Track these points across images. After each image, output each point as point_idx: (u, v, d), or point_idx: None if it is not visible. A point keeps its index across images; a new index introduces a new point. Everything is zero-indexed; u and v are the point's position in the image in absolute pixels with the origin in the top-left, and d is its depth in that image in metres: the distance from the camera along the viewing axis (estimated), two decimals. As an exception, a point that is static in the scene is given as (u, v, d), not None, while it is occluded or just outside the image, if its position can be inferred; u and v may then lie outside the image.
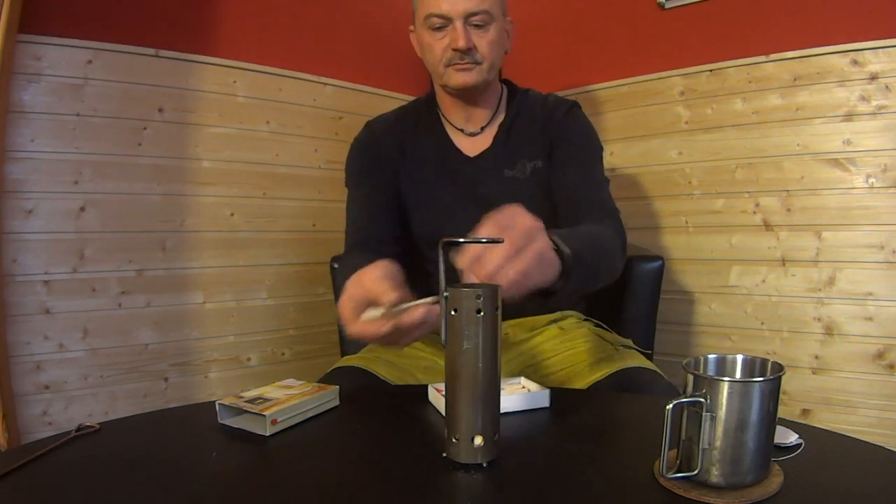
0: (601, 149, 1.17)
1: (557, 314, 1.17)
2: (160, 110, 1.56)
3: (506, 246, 0.63)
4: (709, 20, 1.69)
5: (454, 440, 0.60)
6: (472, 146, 1.15)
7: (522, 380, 0.87)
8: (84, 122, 1.44)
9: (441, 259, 0.63)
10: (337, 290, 1.39)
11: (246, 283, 1.73)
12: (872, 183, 1.48)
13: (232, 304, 1.71)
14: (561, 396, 0.81)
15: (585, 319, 1.20)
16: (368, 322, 0.68)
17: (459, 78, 1.06)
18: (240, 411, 0.73)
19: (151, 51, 1.52)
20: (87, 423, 0.73)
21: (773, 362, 0.56)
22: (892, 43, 1.43)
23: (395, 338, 0.70)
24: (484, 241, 0.63)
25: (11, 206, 1.37)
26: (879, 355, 1.48)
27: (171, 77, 1.56)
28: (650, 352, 1.32)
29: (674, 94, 1.76)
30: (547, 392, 0.79)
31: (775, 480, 0.54)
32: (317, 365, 1.82)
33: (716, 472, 0.53)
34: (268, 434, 0.70)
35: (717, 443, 0.52)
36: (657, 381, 0.95)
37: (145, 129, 1.53)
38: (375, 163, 1.16)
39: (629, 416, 0.80)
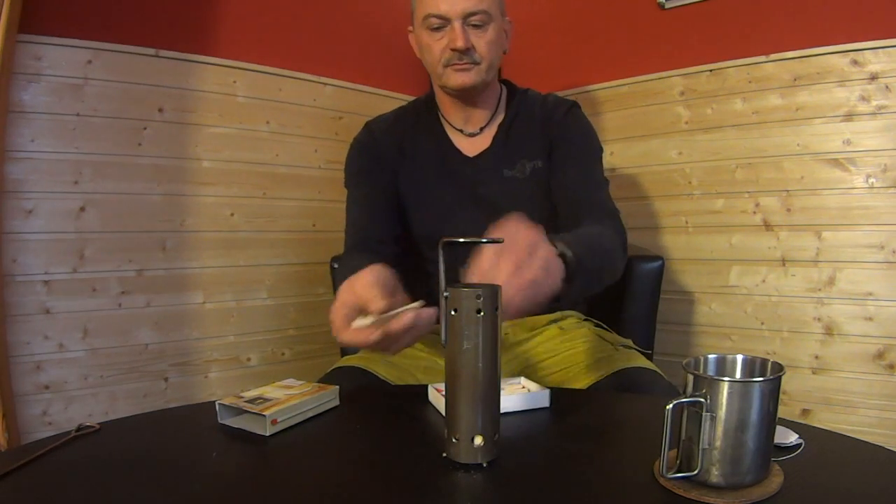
0: (601, 149, 1.17)
1: (557, 314, 1.17)
2: (160, 110, 1.56)
3: (510, 261, 0.63)
4: (709, 20, 1.69)
5: (454, 440, 0.60)
6: (471, 146, 1.15)
7: (522, 380, 0.87)
8: (84, 122, 1.45)
9: (441, 259, 0.63)
10: (336, 290, 1.38)
11: (246, 283, 1.73)
12: (872, 183, 1.49)
13: (232, 304, 1.71)
14: (561, 396, 0.81)
15: (585, 319, 1.20)
16: (358, 330, 0.69)
17: (458, 78, 1.06)
18: (240, 411, 0.73)
19: (151, 51, 1.52)
20: (87, 423, 0.73)
21: (773, 362, 0.56)
22: (892, 43, 1.43)
23: (386, 344, 0.71)
24: (484, 241, 0.63)
25: (11, 206, 1.37)
26: (879, 355, 1.48)
27: (171, 77, 1.56)
28: (650, 352, 1.32)
29: (674, 94, 1.76)
30: (547, 392, 0.79)
31: (775, 480, 0.54)
32: (317, 365, 1.82)
33: (716, 472, 0.53)
34: (268, 434, 0.70)
35: (717, 443, 0.52)
36: (657, 381, 0.95)
37: (145, 129, 1.53)
38: (375, 163, 1.16)
39: (629, 416, 0.80)
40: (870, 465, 0.60)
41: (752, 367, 0.59)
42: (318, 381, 0.86)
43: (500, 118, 1.16)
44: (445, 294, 0.60)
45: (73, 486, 0.58)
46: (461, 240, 0.62)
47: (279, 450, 0.68)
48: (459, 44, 1.02)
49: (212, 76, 1.63)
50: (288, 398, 0.75)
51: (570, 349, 1.09)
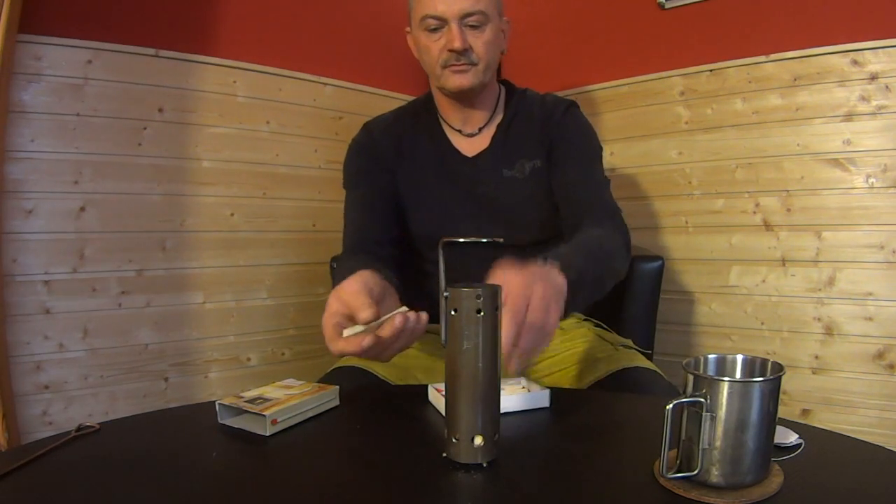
0: (600, 148, 1.17)
1: (557, 314, 1.17)
2: (160, 110, 1.56)
3: (508, 320, 0.64)
4: (709, 20, 1.69)
5: (454, 440, 0.60)
6: (470, 146, 1.15)
7: (522, 380, 0.87)
8: (84, 122, 1.45)
9: (441, 259, 0.63)
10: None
11: (246, 283, 1.73)
12: (872, 183, 1.49)
13: (232, 304, 1.71)
14: (561, 396, 0.81)
15: (585, 319, 1.20)
16: (349, 340, 0.69)
17: (456, 80, 1.06)
18: (240, 411, 0.73)
19: (151, 51, 1.52)
20: (87, 423, 0.73)
21: (773, 362, 0.56)
22: (892, 43, 1.43)
23: (378, 350, 0.71)
24: (484, 241, 0.63)
25: (11, 206, 1.37)
26: (879, 355, 1.48)
27: (171, 77, 1.56)
28: (650, 352, 1.32)
29: (674, 94, 1.76)
30: (547, 392, 0.79)
31: (775, 480, 0.54)
32: (317, 365, 1.82)
33: (716, 472, 0.53)
34: (268, 434, 0.70)
35: (717, 443, 0.52)
36: (657, 381, 0.95)
37: (145, 129, 1.53)
38: (373, 164, 1.16)
39: (629, 416, 0.80)
40: (870, 465, 0.60)
41: (752, 367, 0.59)
42: (318, 381, 0.86)
43: (498, 118, 1.16)
44: (445, 294, 0.60)
45: (73, 486, 0.58)
46: (461, 240, 0.62)
47: (279, 450, 0.68)
48: (457, 44, 1.01)
49: (212, 76, 1.63)
50: (288, 398, 0.75)
51: (570, 349, 1.09)
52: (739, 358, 0.59)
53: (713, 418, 0.52)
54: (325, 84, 1.86)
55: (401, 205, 1.16)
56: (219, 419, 0.74)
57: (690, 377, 0.54)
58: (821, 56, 1.52)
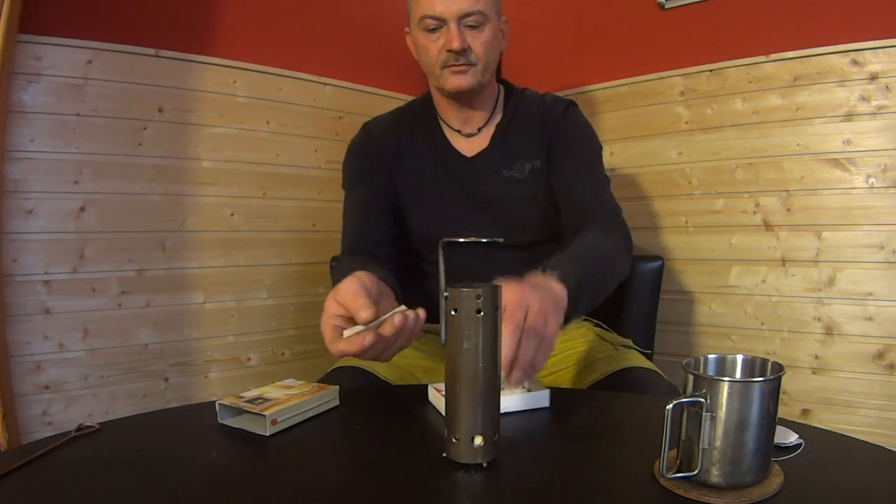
0: (600, 147, 1.17)
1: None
2: (160, 110, 1.56)
3: (508, 331, 0.64)
4: (709, 20, 1.69)
5: (454, 440, 0.60)
6: (469, 146, 1.15)
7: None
8: (84, 122, 1.45)
9: (441, 259, 0.63)
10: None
11: (246, 283, 1.73)
12: (872, 183, 1.49)
13: (232, 304, 1.71)
14: (561, 396, 0.81)
15: (585, 319, 1.20)
16: (349, 340, 0.69)
17: (455, 81, 1.06)
18: (240, 411, 0.73)
19: (151, 51, 1.52)
20: (87, 423, 0.73)
21: (773, 362, 0.56)
22: (892, 43, 1.43)
23: (379, 350, 0.71)
24: (484, 241, 0.63)
25: (11, 206, 1.37)
26: (879, 355, 1.48)
27: (171, 77, 1.56)
28: (650, 352, 1.31)
29: (674, 94, 1.76)
30: (547, 392, 0.79)
31: (775, 480, 0.54)
32: (317, 365, 1.82)
33: (716, 472, 0.53)
34: (268, 434, 0.70)
35: (717, 443, 0.52)
36: (657, 381, 0.95)
37: (145, 129, 1.53)
38: (372, 164, 1.16)
39: (629, 416, 0.80)
40: (870, 465, 0.60)
41: (752, 367, 0.59)
42: (318, 381, 0.86)
43: (497, 118, 1.16)
44: (445, 294, 0.60)
45: (73, 486, 0.58)
46: (461, 240, 0.62)
47: (279, 450, 0.68)
48: (455, 45, 1.01)
49: (212, 76, 1.63)
50: (288, 398, 0.75)
51: (569, 349, 1.09)
52: (739, 358, 0.59)
53: (713, 418, 0.52)
54: (325, 84, 1.86)
55: (400, 205, 1.16)
56: (219, 419, 0.74)
57: (690, 377, 0.54)
58: (821, 56, 1.52)
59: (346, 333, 0.70)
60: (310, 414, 0.76)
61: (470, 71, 1.05)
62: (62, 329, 1.43)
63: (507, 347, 0.63)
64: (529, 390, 0.81)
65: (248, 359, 1.75)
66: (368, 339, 0.68)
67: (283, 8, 1.77)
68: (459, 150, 1.15)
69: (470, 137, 1.15)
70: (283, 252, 1.80)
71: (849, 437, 0.67)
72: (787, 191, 1.60)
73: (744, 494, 0.52)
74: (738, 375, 0.59)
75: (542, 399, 0.79)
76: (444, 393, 0.63)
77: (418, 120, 1.18)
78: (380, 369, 1.00)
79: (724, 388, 0.52)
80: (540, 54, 1.99)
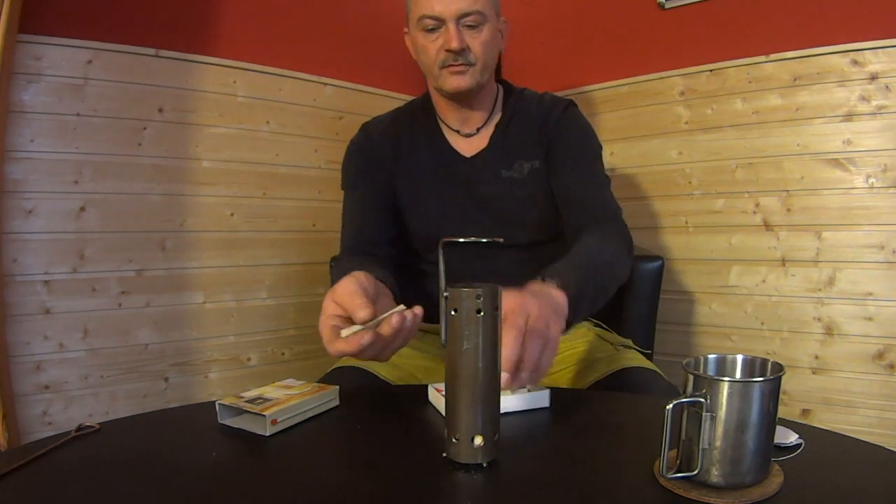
0: (600, 147, 1.16)
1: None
2: (160, 110, 1.56)
3: (510, 336, 0.64)
4: (709, 20, 1.69)
5: (454, 440, 0.60)
6: (468, 147, 1.15)
7: (522, 380, 0.87)
8: (84, 122, 1.45)
9: (441, 259, 0.63)
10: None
11: (246, 283, 1.73)
12: (872, 183, 1.49)
13: (232, 304, 1.71)
14: (561, 396, 0.81)
15: (585, 319, 1.20)
16: (348, 340, 0.69)
17: (453, 82, 1.06)
18: (240, 411, 0.73)
19: (151, 51, 1.52)
20: (87, 423, 0.73)
21: (773, 362, 0.56)
22: (892, 43, 1.43)
23: (377, 349, 0.71)
24: (484, 241, 0.63)
25: (11, 206, 1.37)
26: (879, 355, 1.48)
27: (171, 77, 1.56)
28: (650, 352, 1.31)
29: (674, 94, 1.76)
30: (547, 392, 0.79)
31: (775, 480, 0.54)
32: (317, 365, 1.82)
33: (716, 472, 0.53)
34: (268, 434, 0.70)
35: (717, 443, 0.52)
36: (657, 381, 0.95)
37: (145, 129, 1.53)
38: (371, 164, 1.16)
39: (629, 416, 0.80)
40: (870, 465, 0.60)
41: (752, 367, 0.59)
42: (318, 381, 0.86)
43: (497, 118, 1.16)
44: (445, 294, 0.60)
45: (73, 486, 0.58)
46: (461, 240, 0.62)
47: (279, 450, 0.68)
48: (454, 45, 1.01)
49: (212, 76, 1.63)
50: (288, 398, 0.75)
51: (569, 349, 1.09)
52: (739, 358, 0.59)
53: (713, 418, 0.52)
54: (325, 84, 1.86)
55: (399, 205, 1.16)
56: (219, 419, 0.74)
57: (690, 377, 0.54)
58: (821, 56, 1.52)
59: (344, 333, 0.70)
60: (310, 414, 0.76)
61: (468, 71, 1.05)
62: (62, 329, 1.43)
63: (511, 350, 0.63)
64: (529, 390, 0.81)
65: (248, 359, 1.75)
66: (366, 338, 0.68)
67: (283, 8, 1.77)
68: (458, 150, 1.15)
69: (469, 137, 1.15)
70: (283, 252, 1.80)
71: (849, 437, 0.67)
72: (787, 191, 1.60)
73: (744, 494, 0.52)
74: (738, 375, 0.59)
75: (542, 399, 0.79)
76: (444, 393, 0.63)
77: (417, 120, 1.18)
78: (380, 369, 1.00)
79: (724, 388, 0.52)
80: (540, 54, 1.99)
